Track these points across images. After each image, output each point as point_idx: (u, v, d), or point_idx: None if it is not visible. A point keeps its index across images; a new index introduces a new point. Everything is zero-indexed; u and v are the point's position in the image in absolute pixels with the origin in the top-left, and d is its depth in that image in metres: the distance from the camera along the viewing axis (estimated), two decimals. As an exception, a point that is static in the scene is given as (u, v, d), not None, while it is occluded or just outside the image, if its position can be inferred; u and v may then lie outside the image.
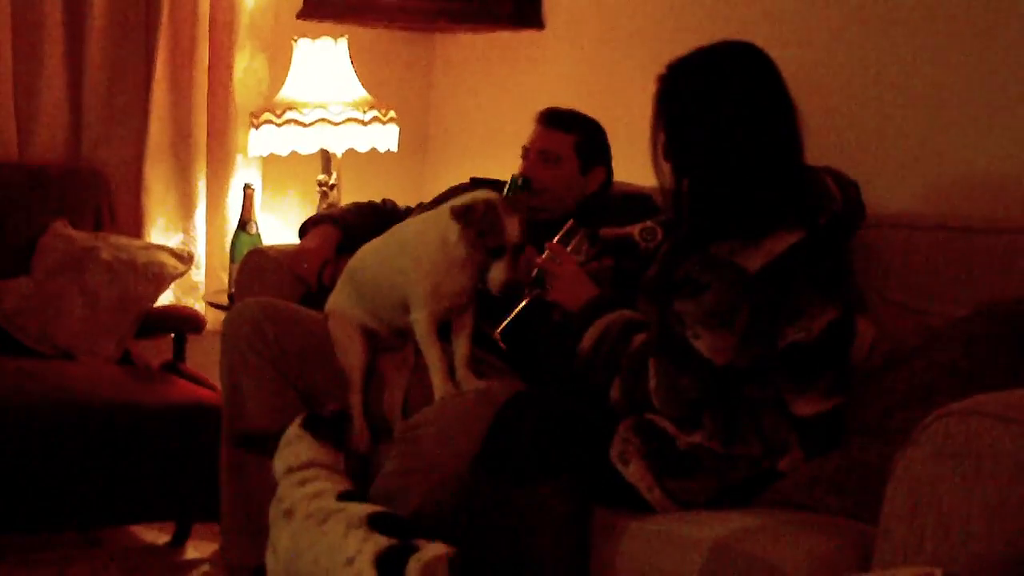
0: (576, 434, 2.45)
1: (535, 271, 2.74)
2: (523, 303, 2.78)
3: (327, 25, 4.26)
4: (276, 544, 2.54)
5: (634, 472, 2.40)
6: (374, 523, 2.36)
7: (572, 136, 3.18)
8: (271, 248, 3.56)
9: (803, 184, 2.47)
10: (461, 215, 2.78)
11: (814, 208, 2.43)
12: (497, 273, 2.77)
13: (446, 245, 2.84)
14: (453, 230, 2.81)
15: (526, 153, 3.21)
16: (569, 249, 2.74)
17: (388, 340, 3.06)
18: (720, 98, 2.48)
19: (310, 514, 2.47)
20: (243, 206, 3.95)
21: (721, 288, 2.36)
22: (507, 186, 3.07)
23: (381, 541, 2.29)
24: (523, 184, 3.07)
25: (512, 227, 2.76)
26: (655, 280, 2.60)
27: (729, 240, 2.39)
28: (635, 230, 2.78)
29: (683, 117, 2.52)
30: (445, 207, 2.87)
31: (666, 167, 2.56)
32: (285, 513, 2.53)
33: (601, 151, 3.24)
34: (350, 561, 2.30)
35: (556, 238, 2.76)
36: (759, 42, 2.54)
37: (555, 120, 3.22)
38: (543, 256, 2.74)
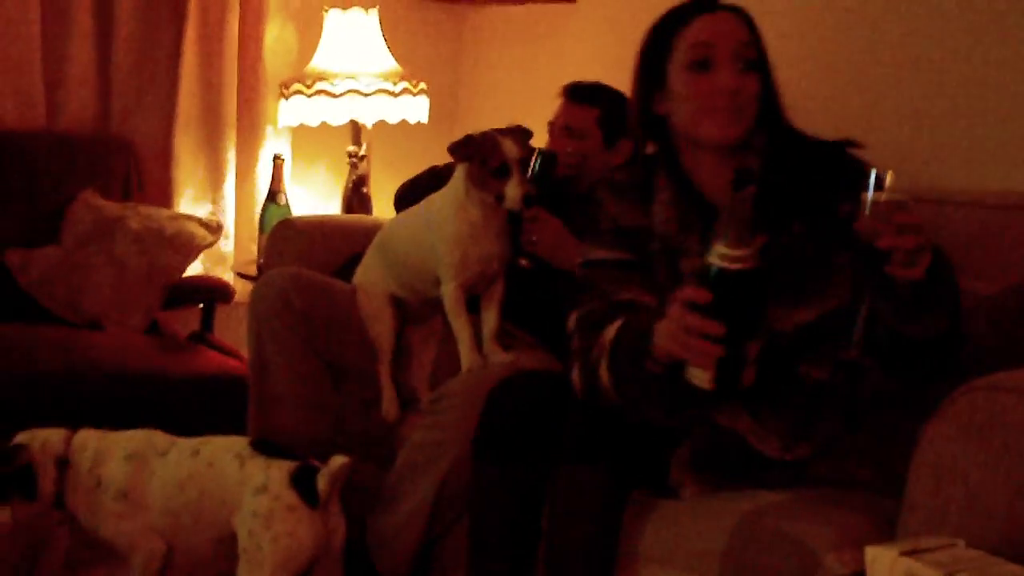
0: (565, 414, 2.37)
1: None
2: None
3: (358, -5, 4.25)
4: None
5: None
6: (261, 448, 2.42)
7: (596, 110, 3.16)
8: (300, 219, 3.57)
9: None
10: (457, 149, 2.79)
11: None
12: (510, 190, 2.75)
13: (462, 209, 2.84)
14: (461, 188, 2.83)
15: (551, 128, 3.20)
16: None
17: (417, 311, 3.07)
18: None
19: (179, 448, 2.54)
20: (272, 177, 3.95)
21: None
22: (533, 161, 3.06)
23: (284, 464, 2.35)
24: (549, 159, 3.05)
25: (509, 145, 2.76)
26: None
27: None
28: None
29: None
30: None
31: None
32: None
33: (626, 124, 3.21)
34: (263, 488, 2.32)
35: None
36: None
37: (579, 94, 3.20)
38: None
